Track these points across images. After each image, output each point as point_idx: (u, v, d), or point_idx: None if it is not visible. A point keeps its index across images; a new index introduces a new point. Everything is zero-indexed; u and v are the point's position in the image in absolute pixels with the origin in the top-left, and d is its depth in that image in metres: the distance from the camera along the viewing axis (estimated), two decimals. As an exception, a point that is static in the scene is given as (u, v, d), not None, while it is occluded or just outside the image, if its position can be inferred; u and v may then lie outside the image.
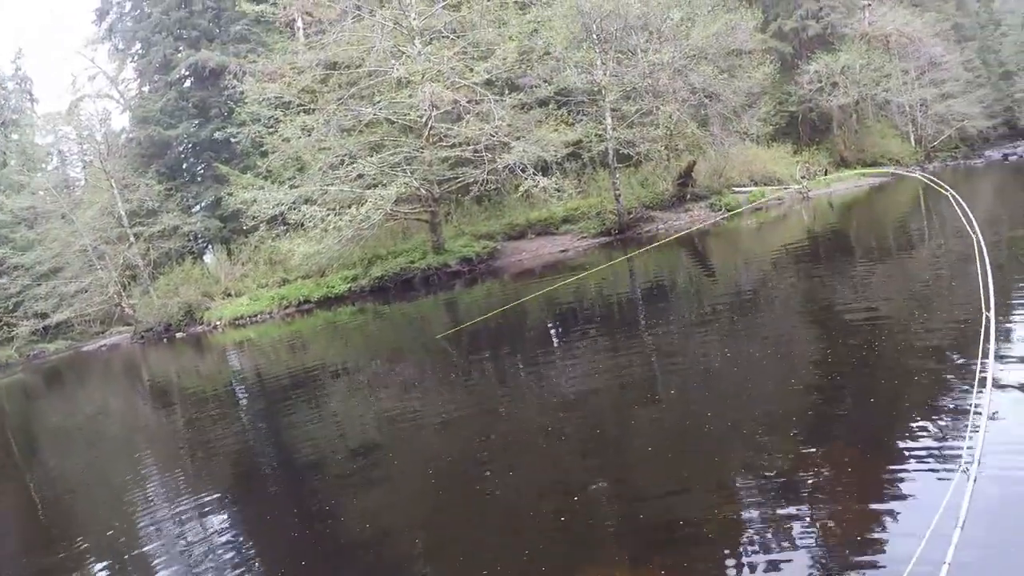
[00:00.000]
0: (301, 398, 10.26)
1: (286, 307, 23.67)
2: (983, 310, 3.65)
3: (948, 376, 5.15)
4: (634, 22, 26.15)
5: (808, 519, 3.45)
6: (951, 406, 4.52)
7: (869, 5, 37.82)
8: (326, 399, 9.87)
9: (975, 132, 45.50)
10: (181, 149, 31.83)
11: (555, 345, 9.83)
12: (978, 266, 4.23)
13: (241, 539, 5.05)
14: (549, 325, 11.38)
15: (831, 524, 3.39)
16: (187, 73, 31.28)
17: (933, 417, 4.39)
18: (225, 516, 5.73)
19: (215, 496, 6.36)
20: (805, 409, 5.05)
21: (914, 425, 4.32)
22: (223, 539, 5.06)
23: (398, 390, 9.19)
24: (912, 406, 4.63)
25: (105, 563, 5.08)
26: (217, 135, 26.32)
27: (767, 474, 4.07)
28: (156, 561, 4.81)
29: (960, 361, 5.32)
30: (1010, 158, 33.95)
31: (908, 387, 5.05)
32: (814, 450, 4.22)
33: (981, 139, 47.67)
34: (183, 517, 5.76)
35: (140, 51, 33.55)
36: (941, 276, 9.11)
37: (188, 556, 4.79)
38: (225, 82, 28.03)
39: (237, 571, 4.38)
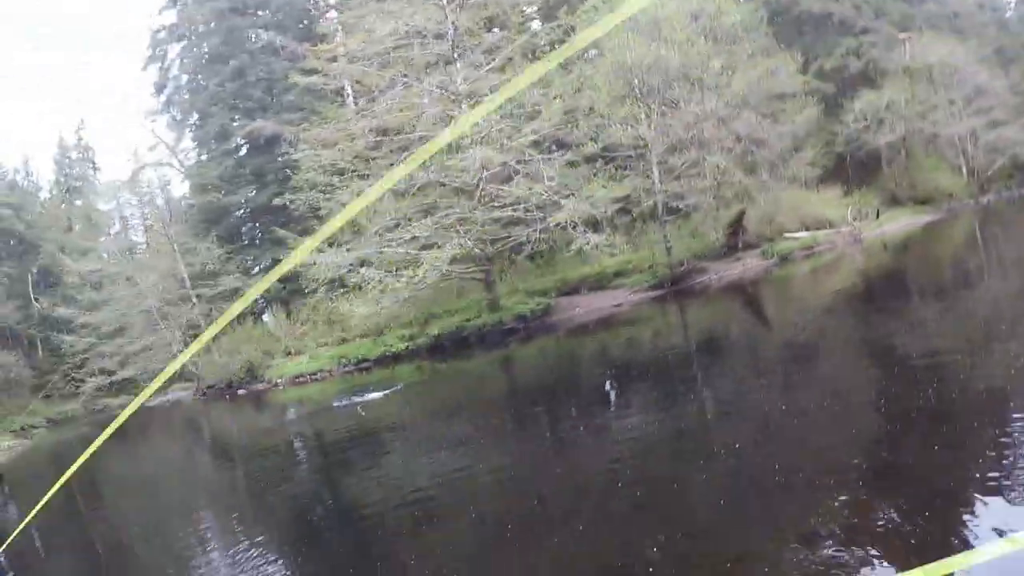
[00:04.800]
0: (359, 454, 10.38)
1: (345, 366, 24.18)
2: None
3: (1017, 422, 4.92)
4: (675, 74, 26.43)
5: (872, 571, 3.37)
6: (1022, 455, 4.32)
7: (909, 37, 37.58)
8: (384, 455, 10.00)
9: (1029, 158, 44.29)
10: (240, 214, 33.12)
11: (611, 399, 9.91)
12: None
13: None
14: (604, 378, 11.45)
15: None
16: (243, 141, 32.68)
17: (1003, 468, 4.19)
18: (282, 570, 5.88)
19: (272, 550, 6.53)
20: (867, 460, 4.93)
21: (984, 476, 4.15)
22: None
23: (454, 446, 9.26)
24: (980, 456, 4.45)
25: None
26: (275, 201, 27.31)
27: (828, 526, 4.02)
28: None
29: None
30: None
31: (973, 435, 4.87)
32: (877, 502, 4.12)
33: (1037, 165, 46.38)
34: (241, 571, 5.91)
35: (198, 122, 35.16)
36: (1001, 315, 8.82)
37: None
38: (280, 149, 29.19)
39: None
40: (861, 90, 34.39)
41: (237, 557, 6.34)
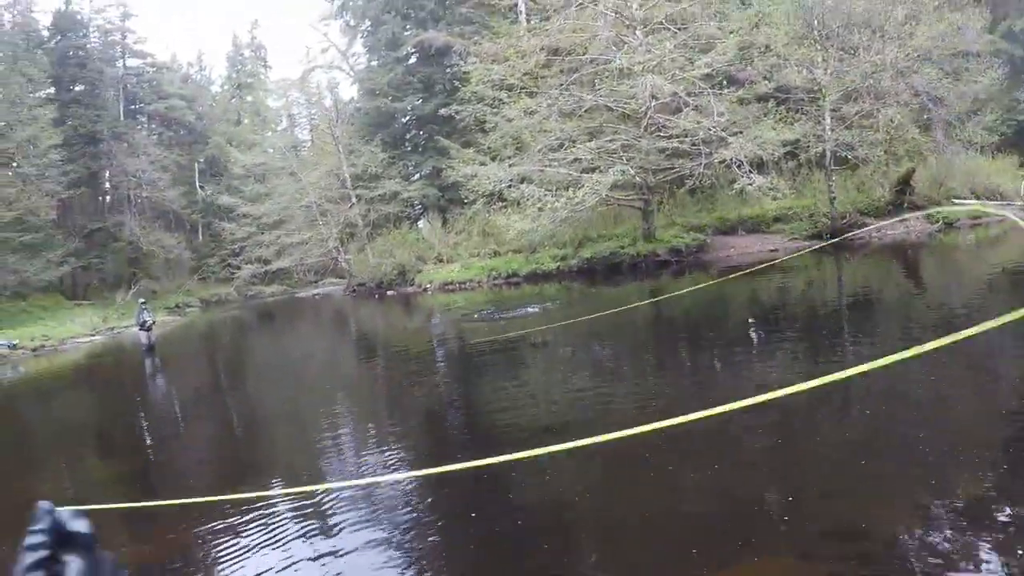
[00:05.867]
0: (499, 365, 10.52)
1: (495, 278, 25.40)
2: None
3: None
4: (857, 19, 25.43)
5: (985, 551, 3.45)
6: None
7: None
8: (523, 369, 10.08)
9: None
10: (405, 121, 34.58)
11: (756, 343, 9.80)
12: None
13: (419, 492, 5.31)
14: (750, 323, 11.34)
15: (1006, 559, 3.34)
16: (413, 50, 33.82)
17: None
18: (407, 468, 6.00)
19: (398, 441, 6.85)
20: (1006, 444, 4.86)
21: None
22: (402, 489, 5.39)
23: (595, 370, 9.30)
24: None
25: (284, 495, 5.53)
26: (441, 111, 28.37)
27: (951, 500, 4.08)
28: (334, 504, 5.14)
29: None
30: None
31: None
32: (1008, 486, 4.14)
33: None
34: (366, 462, 6.18)
35: (369, 28, 36.54)
36: None
37: (365, 502, 5.16)
38: (449, 60, 30.14)
39: (409, 519, 4.80)
40: (1056, 56, 31.72)
41: (363, 445, 6.75)
